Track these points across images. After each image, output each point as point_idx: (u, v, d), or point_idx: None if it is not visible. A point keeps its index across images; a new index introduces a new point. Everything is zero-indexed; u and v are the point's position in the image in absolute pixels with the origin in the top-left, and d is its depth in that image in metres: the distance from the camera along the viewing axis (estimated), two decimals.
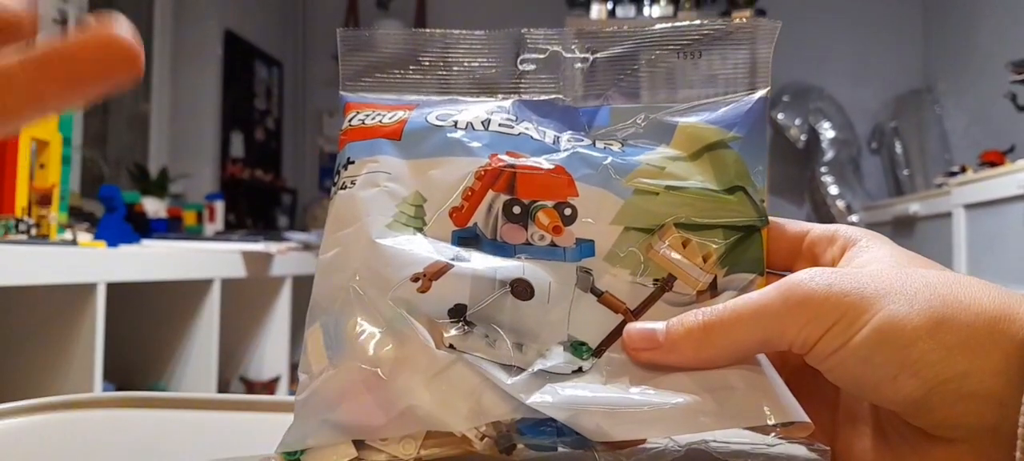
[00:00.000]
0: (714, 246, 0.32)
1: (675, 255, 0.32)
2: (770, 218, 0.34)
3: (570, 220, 0.32)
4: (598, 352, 0.31)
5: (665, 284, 0.32)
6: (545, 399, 0.28)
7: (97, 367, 1.45)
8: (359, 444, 0.29)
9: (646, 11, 3.42)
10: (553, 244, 0.32)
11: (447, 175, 0.33)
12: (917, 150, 3.53)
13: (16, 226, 1.40)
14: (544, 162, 0.33)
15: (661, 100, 0.35)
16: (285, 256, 2.24)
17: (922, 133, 3.53)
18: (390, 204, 0.32)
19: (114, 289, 1.52)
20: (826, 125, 3.62)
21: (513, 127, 0.34)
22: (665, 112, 0.35)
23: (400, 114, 0.35)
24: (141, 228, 2.03)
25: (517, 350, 0.30)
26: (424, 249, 0.31)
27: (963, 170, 2.66)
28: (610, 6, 3.42)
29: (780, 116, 3.63)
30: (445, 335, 0.30)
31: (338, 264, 0.32)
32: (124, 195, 1.95)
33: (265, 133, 3.76)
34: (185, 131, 3.15)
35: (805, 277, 0.28)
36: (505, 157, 0.33)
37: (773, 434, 0.29)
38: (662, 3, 3.40)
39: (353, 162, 0.34)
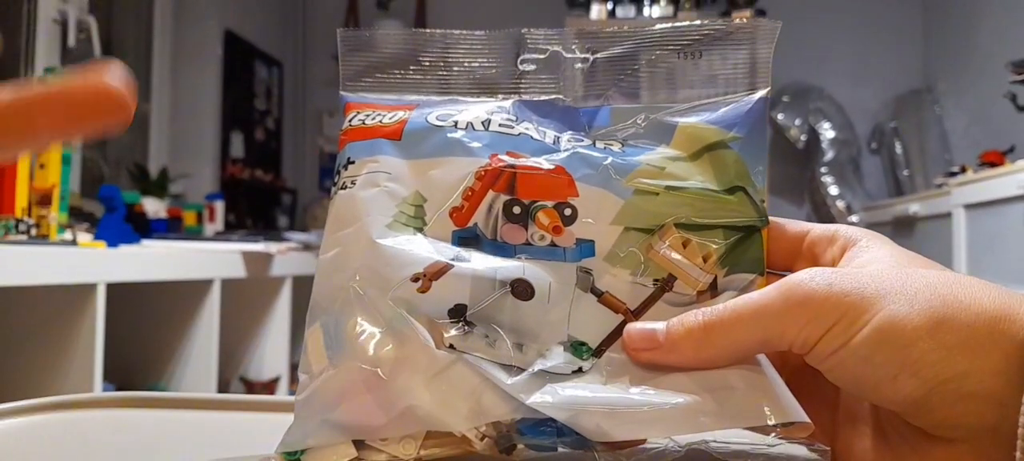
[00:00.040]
0: (714, 246, 0.32)
1: (675, 255, 0.32)
2: (770, 218, 0.34)
3: (570, 220, 0.32)
4: (598, 352, 0.31)
5: (665, 284, 0.32)
6: (545, 399, 0.28)
7: (97, 367, 1.45)
8: (359, 444, 0.29)
9: (646, 11, 3.42)
10: (553, 244, 0.32)
11: (447, 175, 0.33)
12: (917, 150, 3.53)
13: (16, 226, 1.40)
14: (544, 162, 0.33)
15: (661, 100, 0.35)
16: (285, 256, 2.24)
17: (922, 133, 3.53)
18: (390, 204, 0.32)
19: (114, 289, 1.52)
20: (826, 125, 3.62)
21: (513, 127, 0.34)
22: (665, 112, 0.35)
23: (400, 114, 0.35)
24: (141, 228, 2.03)
25: (517, 350, 0.30)
26: (424, 249, 0.31)
27: (963, 170, 2.66)
28: (610, 6, 3.42)
29: (780, 116, 3.63)
30: (445, 335, 0.30)
31: (338, 264, 0.32)
32: (124, 195, 1.95)
33: (265, 133, 3.76)
34: (185, 131, 3.15)
35: (805, 277, 0.28)
36: (505, 157, 0.33)
37: (773, 434, 0.29)
38: (662, 3, 3.40)
39: (353, 162, 0.34)
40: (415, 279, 0.30)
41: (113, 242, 1.65)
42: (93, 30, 2.39)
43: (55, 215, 1.51)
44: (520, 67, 0.36)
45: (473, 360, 0.29)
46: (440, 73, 0.36)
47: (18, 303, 1.47)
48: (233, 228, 3.02)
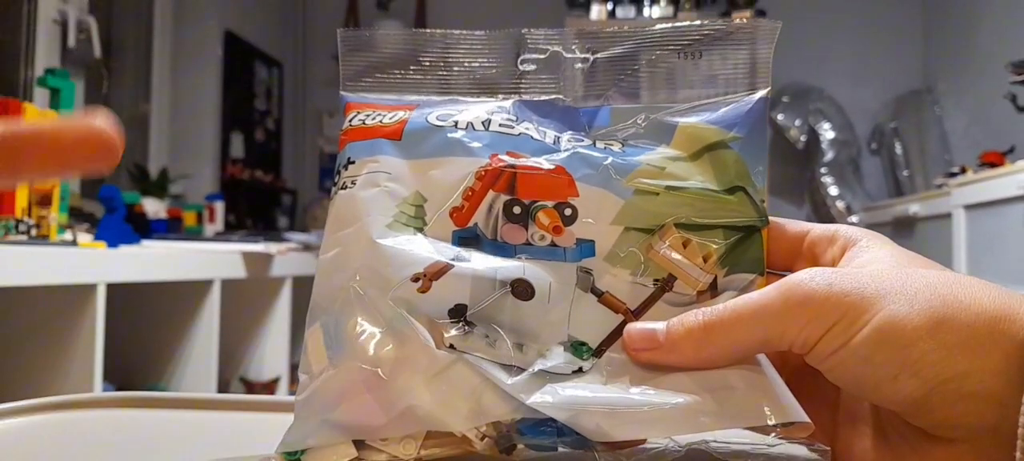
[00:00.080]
0: (714, 246, 0.32)
1: (675, 255, 0.32)
2: (770, 218, 0.34)
3: (570, 220, 0.32)
4: (598, 352, 0.31)
5: (665, 284, 0.32)
6: (545, 399, 0.28)
7: (97, 367, 1.45)
8: (359, 444, 0.29)
9: (646, 11, 3.42)
10: (553, 244, 0.32)
11: (447, 175, 0.33)
12: (917, 151, 3.53)
13: (16, 226, 1.40)
14: (544, 162, 0.33)
15: (661, 100, 0.35)
16: (285, 256, 2.24)
17: (922, 134, 3.53)
18: (390, 204, 0.32)
19: (114, 289, 1.52)
20: (826, 126, 3.62)
21: (513, 127, 0.34)
22: (665, 112, 0.35)
23: (400, 114, 0.35)
24: (141, 229, 2.03)
25: (517, 350, 0.30)
26: (424, 249, 0.31)
27: (963, 171, 2.66)
28: (610, 6, 3.42)
29: (780, 117, 3.63)
30: (445, 335, 0.30)
31: (338, 264, 0.32)
32: (124, 196, 1.95)
33: (265, 134, 3.76)
34: (185, 131, 3.15)
35: (805, 277, 0.28)
36: (505, 157, 0.33)
37: (773, 434, 0.29)
38: (662, 3, 3.40)
39: (353, 162, 0.34)
40: (415, 279, 0.30)
41: (113, 242, 1.65)
42: (93, 30, 2.39)
43: (55, 215, 1.51)
44: (520, 67, 0.36)
45: (473, 360, 0.29)
46: (440, 73, 0.36)
47: (18, 303, 1.47)
48: (233, 228, 3.02)
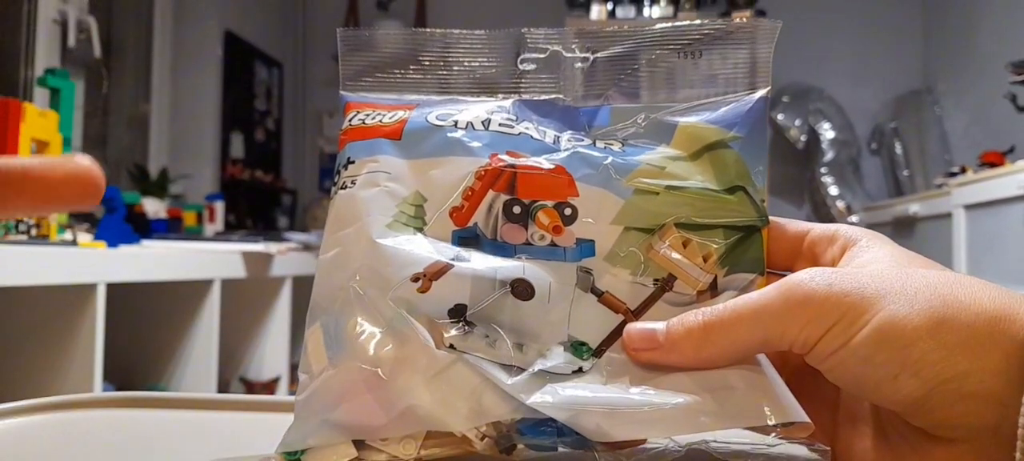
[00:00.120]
0: (714, 246, 0.32)
1: (675, 255, 0.32)
2: (770, 218, 0.34)
3: (570, 220, 0.32)
4: (598, 352, 0.31)
5: (665, 284, 0.32)
6: (545, 399, 0.28)
7: (97, 367, 1.45)
8: (359, 444, 0.29)
9: (646, 11, 3.42)
10: (553, 244, 0.32)
11: (447, 175, 0.33)
12: (917, 151, 3.53)
13: (16, 226, 1.40)
14: (544, 162, 0.33)
15: (661, 100, 0.35)
16: (285, 256, 2.24)
17: (922, 133, 3.53)
18: (390, 204, 0.32)
19: (114, 289, 1.52)
20: (826, 126, 3.62)
21: (513, 127, 0.34)
22: (665, 112, 0.35)
23: (400, 114, 0.35)
24: (141, 229, 2.03)
25: (517, 350, 0.30)
26: (424, 249, 0.31)
27: (963, 171, 2.66)
28: (610, 6, 3.42)
29: (780, 116, 3.63)
30: (445, 335, 0.30)
31: (338, 264, 0.32)
32: (124, 196, 1.95)
33: (265, 134, 3.76)
34: (185, 132, 3.15)
35: (805, 277, 0.28)
36: (505, 157, 0.33)
37: (773, 434, 0.29)
38: (662, 3, 3.40)
39: (353, 162, 0.34)
40: (415, 279, 0.30)
41: (113, 242, 1.65)
42: (93, 30, 2.39)
43: (55, 215, 1.51)
44: (520, 67, 0.36)
45: (473, 360, 0.29)
46: (440, 73, 0.36)
47: (18, 303, 1.47)
48: (233, 228, 3.02)
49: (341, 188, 0.33)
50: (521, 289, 0.31)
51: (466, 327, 0.30)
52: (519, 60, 0.36)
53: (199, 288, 1.90)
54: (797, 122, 3.63)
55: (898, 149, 3.59)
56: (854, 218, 3.45)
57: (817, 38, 3.66)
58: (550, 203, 0.32)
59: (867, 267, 0.30)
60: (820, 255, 0.33)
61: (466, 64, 0.36)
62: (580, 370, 0.30)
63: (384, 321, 0.30)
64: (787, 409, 0.29)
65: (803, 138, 3.64)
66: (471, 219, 0.32)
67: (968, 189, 2.46)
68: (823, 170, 3.60)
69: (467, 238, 0.32)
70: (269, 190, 3.71)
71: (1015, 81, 2.47)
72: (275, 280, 2.30)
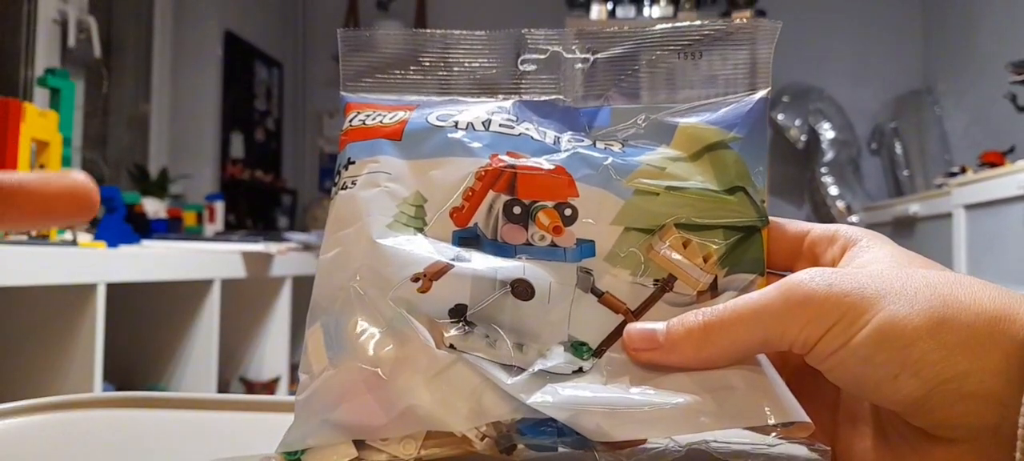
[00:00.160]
0: (714, 246, 0.32)
1: (675, 255, 0.32)
2: (770, 218, 0.34)
3: (570, 220, 0.32)
4: (598, 352, 0.31)
5: (665, 284, 0.32)
6: (545, 399, 0.28)
7: (97, 367, 1.45)
8: (359, 444, 0.29)
9: (646, 12, 3.42)
10: (553, 244, 0.32)
11: (448, 175, 0.33)
12: (917, 151, 3.53)
13: None
14: (544, 162, 0.33)
15: (661, 100, 0.35)
16: (285, 256, 2.24)
17: (922, 133, 3.53)
18: (391, 204, 0.33)
19: (114, 289, 1.52)
20: (826, 126, 3.62)
21: (514, 127, 0.34)
22: (665, 112, 0.35)
23: (401, 114, 0.35)
24: (141, 229, 2.03)
25: (517, 350, 0.30)
26: (424, 249, 0.31)
27: (963, 171, 2.66)
28: (610, 6, 3.42)
29: (780, 117, 3.63)
30: (445, 335, 0.30)
31: (339, 264, 0.32)
32: (124, 196, 1.95)
33: (265, 134, 3.76)
34: (185, 132, 3.15)
35: (805, 277, 0.28)
36: (506, 157, 0.33)
37: (773, 434, 0.29)
38: (662, 3, 3.40)
39: (354, 162, 0.34)
40: (415, 279, 0.30)
41: (113, 242, 1.65)
42: (93, 30, 2.39)
43: None
44: (520, 67, 0.36)
45: (473, 360, 0.29)
46: (440, 73, 0.36)
47: (18, 303, 1.47)
48: (233, 228, 3.02)
49: (341, 188, 0.33)
50: (521, 289, 0.31)
51: (466, 327, 0.30)
52: (519, 61, 0.36)
53: (199, 288, 1.90)
54: (797, 122, 3.63)
55: (898, 149, 3.59)
56: (854, 218, 3.45)
57: (817, 38, 3.66)
58: (550, 203, 0.32)
59: (867, 267, 0.30)
60: (820, 255, 0.33)
61: (466, 65, 0.36)
62: (580, 370, 0.30)
63: (384, 321, 0.30)
64: (787, 409, 0.29)
65: (803, 138, 3.64)
66: (471, 219, 0.32)
67: (968, 189, 2.46)
68: (823, 170, 3.60)
69: (467, 238, 0.32)
70: (269, 190, 3.71)
71: (1015, 81, 2.47)
72: (275, 280, 2.30)
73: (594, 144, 0.34)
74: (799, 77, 3.65)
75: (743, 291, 0.32)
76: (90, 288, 1.45)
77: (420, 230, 0.32)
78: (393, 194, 0.33)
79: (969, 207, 2.44)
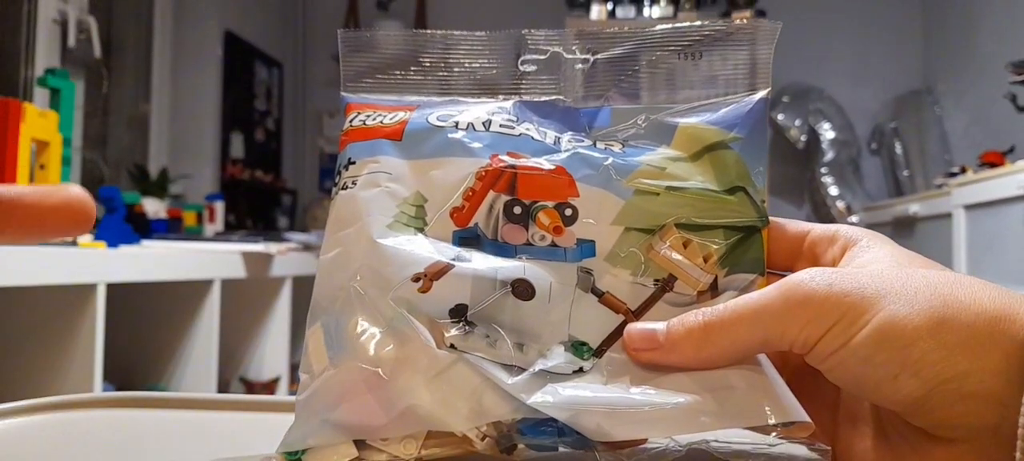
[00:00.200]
0: (715, 246, 0.32)
1: (676, 255, 0.32)
2: (770, 218, 0.34)
3: (571, 220, 0.32)
4: (599, 352, 0.31)
5: (666, 284, 0.32)
6: (546, 399, 0.28)
7: (97, 367, 1.45)
8: (360, 444, 0.29)
9: (646, 12, 3.42)
10: (554, 244, 0.32)
11: (448, 175, 0.33)
12: (917, 151, 3.53)
13: None
14: (545, 163, 0.33)
15: (661, 101, 0.35)
16: (285, 257, 2.24)
17: (922, 134, 3.53)
18: (391, 204, 0.33)
19: (114, 289, 1.52)
20: (826, 126, 3.63)
21: (514, 128, 0.34)
22: (666, 113, 0.35)
23: (401, 115, 0.35)
24: (141, 229, 2.03)
25: (518, 350, 0.30)
26: (425, 249, 0.31)
27: (963, 171, 2.66)
28: (610, 7, 3.42)
29: (780, 117, 3.63)
30: (446, 335, 0.30)
31: (339, 264, 0.32)
32: (124, 196, 1.95)
33: (265, 134, 3.76)
34: (185, 132, 3.15)
35: (806, 277, 0.28)
36: (506, 158, 0.33)
37: (774, 434, 0.29)
38: (662, 4, 3.40)
39: (354, 162, 0.34)
40: (416, 279, 0.30)
41: (113, 242, 1.65)
42: (93, 30, 2.39)
43: None
44: (521, 68, 0.36)
45: (474, 360, 0.29)
46: (441, 74, 0.36)
47: (18, 303, 1.47)
48: (233, 229, 3.02)
49: (342, 188, 0.33)
50: (522, 289, 0.31)
51: (467, 327, 0.30)
52: (520, 61, 0.36)
53: (199, 288, 1.90)
54: (797, 122, 3.63)
55: (898, 149, 3.59)
56: (854, 218, 3.45)
57: (817, 38, 3.66)
58: (551, 204, 0.32)
59: (867, 267, 0.30)
60: (820, 255, 0.33)
61: (467, 65, 0.36)
62: (581, 370, 0.30)
63: (385, 321, 0.30)
64: (788, 409, 0.29)
65: (803, 138, 3.64)
66: (472, 219, 0.32)
67: (968, 189, 2.46)
68: (823, 170, 3.60)
69: (468, 238, 0.32)
70: (269, 190, 3.71)
71: (1015, 81, 2.47)
72: (275, 280, 2.30)
73: (594, 144, 0.34)
74: (799, 77, 3.65)
75: (743, 291, 0.32)
76: (90, 288, 1.45)
77: (420, 230, 0.32)
78: (393, 194, 0.33)
79: (969, 207, 2.44)
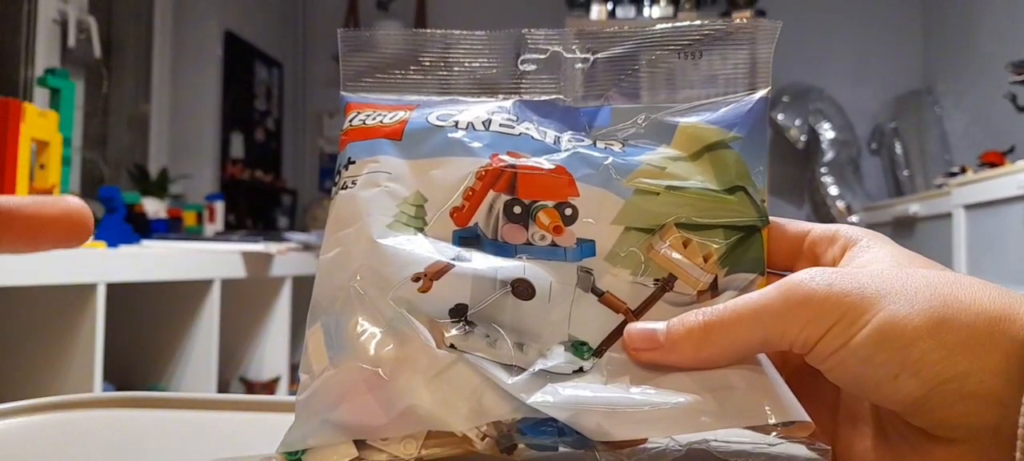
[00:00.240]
0: (715, 246, 0.32)
1: (676, 255, 0.32)
2: (770, 218, 0.34)
3: (571, 220, 0.32)
4: (599, 352, 0.31)
5: (666, 284, 0.32)
6: (546, 399, 0.28)
7: (97, 367, 1.45)
8: (360, 444, 0.29)
9: (646, 11, 3.42)
10: (554, 244, 0.32)
11: (448, 175, 0.33)
12: (917, 151, 3.53)
13: None
14: (545, 162, 0.33)
15: (661, 100, 0.35)
16: (285, 256, 2.24)
17: (922, 134, 3.53)
18: (391, 204, 0.33)
19: (114, 289, 1.52)
20: (826, 126, 3.62)
21: (514, 127, 0.34)
22: (666, 112, 0.35)
23: (401, 114, 0.35)
24: (141, 229, 2.03)
25: (518, 350, 0.30)
26: (425, 249, 0.31)
27: (963, 171, 2.66)
28: (610, 6, 3.42)
29: (780, 117, 3.63)
30: (446, 335, 0.30)
31: (339, 264, 0.32)
32: (124, 196, 1.95)
33: (265, 134, 3.76)
34: (185, 132, 3.15)
35: (806, 277, 0.28)
36: (506, 157, 0.33)
37: (774, 434, 0.29)
38: (662, 3, 3.40)
39: (354, 162, 0.34)
40: (416, 279, 0.30)
41: (113, 242, 1.65)
42: (93, 30, 2.39)
43: None
44: (520, 67, 0.36)
45: (474, 360, 0.29)
46: (440, 73, 0.36)
47: (18, 303, 1.47)
48: (233, 228, 3.02)
49: (342, 188, 0.33)
50: (522, 289, 0.31)
51: (467, 327, 0.30)
52: (519, 61, 0.36)
53: (199, 288, 1.90)
54: (797, 122, 3.63)
55: (898, 149, 3.59)
56: (854, 218, 3.45)
57: (817, 38, 3.66)
58: (551, 203, 0.32)
59: (867, 267, 0.30)
60: (820, 255, 0.33)
61: (466, 65, 0.36)
62: (581, 370, 0.30)
63: (385, 321, 0.30)
64: (788, 408, 0.29)
65: (803, 138, 3.64)
66: (472, 219, 0.32)
67: (968, 189, 2.46)
68: (823, 170, 3.60)
69: (468, 238, 0.32)
70: (269, 190, 3.71)
71: (1015, 81, 2.47)
72: (275, 280, 2.30)
73: (594, 144, 0.34)
74: (799, 77, 3.65)
75: (743, 291, 0.32)
76: (90, 288, 1.45)
77: (420, 230, 0.32)
78: (393, 194, 0.33)
79: (969, 207, 2.44)
